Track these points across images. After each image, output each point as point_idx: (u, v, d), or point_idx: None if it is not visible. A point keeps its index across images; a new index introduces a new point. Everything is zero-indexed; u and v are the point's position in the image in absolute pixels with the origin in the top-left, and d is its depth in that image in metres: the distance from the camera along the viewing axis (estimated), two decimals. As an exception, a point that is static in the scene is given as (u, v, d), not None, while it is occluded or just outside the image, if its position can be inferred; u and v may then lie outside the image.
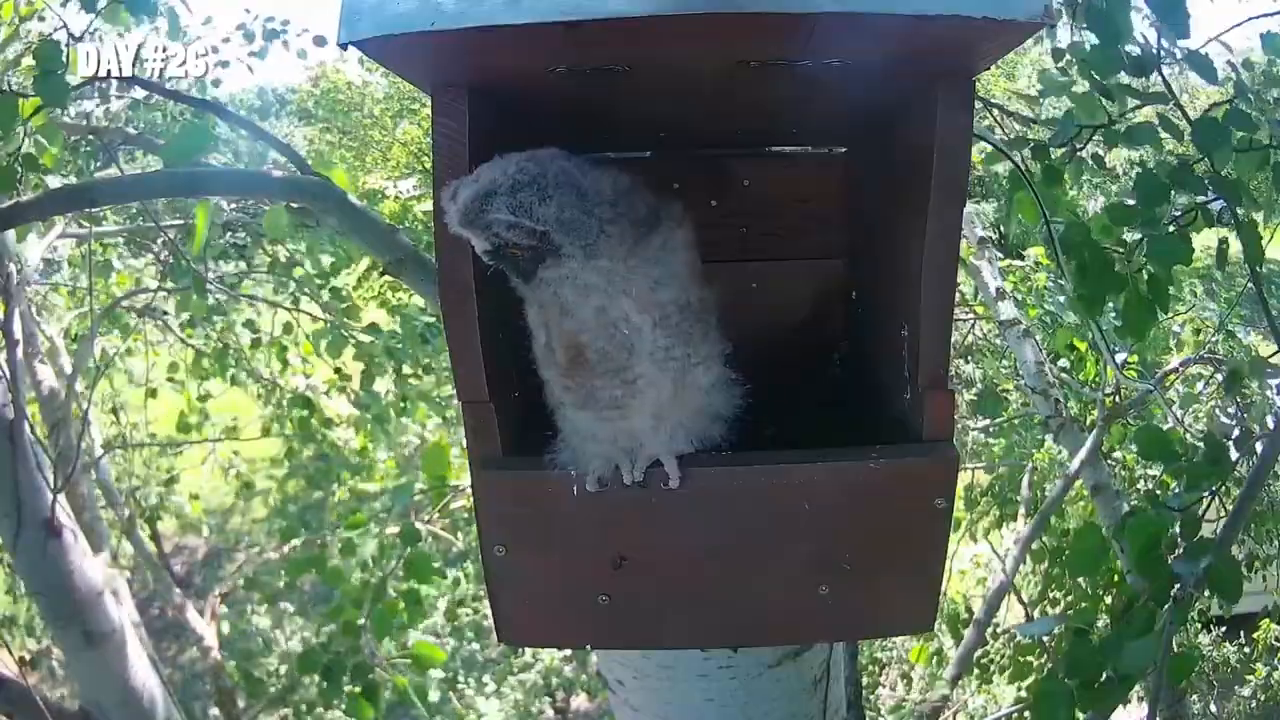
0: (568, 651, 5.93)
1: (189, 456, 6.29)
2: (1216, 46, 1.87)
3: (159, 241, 4.27)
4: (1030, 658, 3.97)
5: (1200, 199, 1.69)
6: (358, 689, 2.42)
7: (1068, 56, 1.87)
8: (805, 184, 1.31)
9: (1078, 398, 3.77)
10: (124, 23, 2.30)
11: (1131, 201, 1.66)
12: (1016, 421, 4.38)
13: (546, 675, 6.24)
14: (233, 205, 3.94)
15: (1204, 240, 1.88)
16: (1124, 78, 1.69)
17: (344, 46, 0.77)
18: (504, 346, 0.99)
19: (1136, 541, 1.46)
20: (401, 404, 4.78)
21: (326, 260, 4.14)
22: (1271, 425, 2.32)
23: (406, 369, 4.53)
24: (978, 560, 5.00)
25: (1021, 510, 4.36)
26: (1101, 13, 1.60)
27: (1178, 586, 1.43)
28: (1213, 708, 5.54)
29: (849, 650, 2.08)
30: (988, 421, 4.46)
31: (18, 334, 2.75)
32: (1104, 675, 1.39)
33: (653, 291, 0.92)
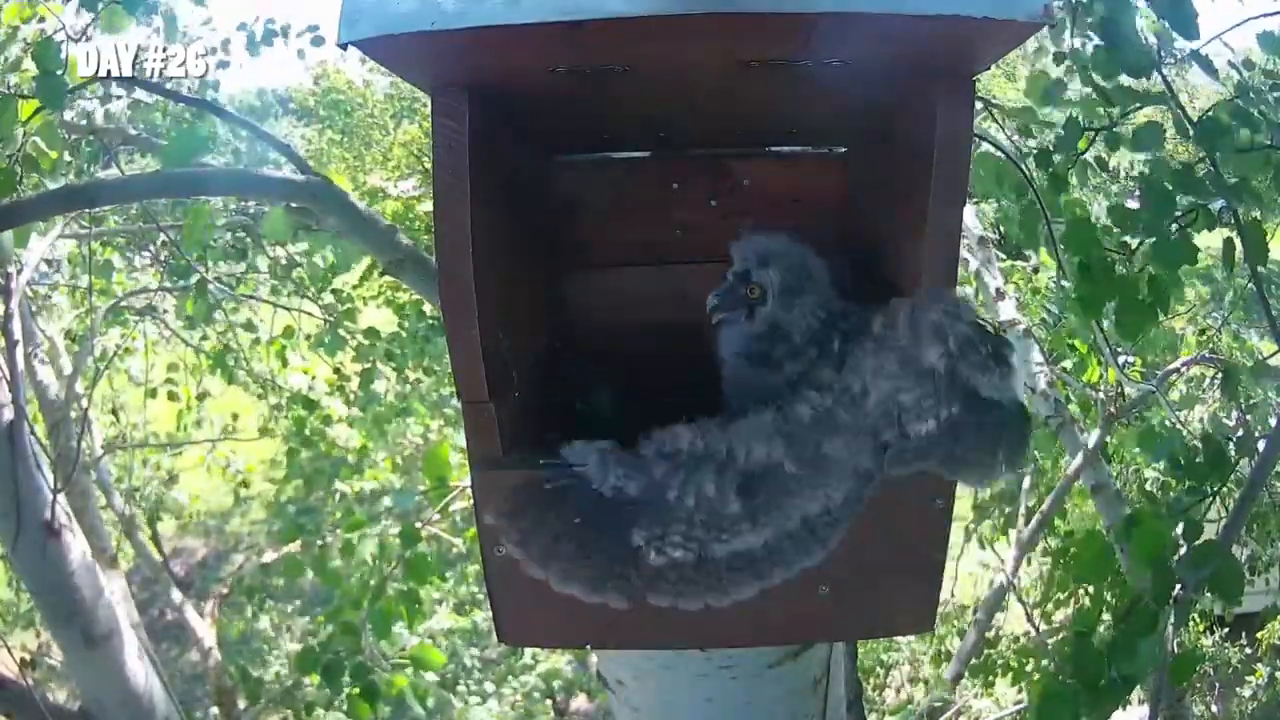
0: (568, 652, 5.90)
1: (188, 457, 6.28)
2: (1217, 46, 1.86)
3: (159, 242, 4.27)
4: (1030, 659, 3.96)
5: (1202, 200, 1.69)
6: (357, 689, 2.42)
7: (1067, 62, 1.86)
8: (805, 184, 1.31)
9: (1080, 398, 3.77)
10: (122, 27, 2.28)
11: (1134, 204, 1.65)
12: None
13: (547, 678, 6.20)
14: (233, 206, 3.94)
15: (1205, 240, 1.87)
16: (1125, 80, 1.68)
17: (344, 46, 0.77)
18: (504, 346, 0.98)
19: (1139, 543, 1.46)
20: (400, 405, 4.78)
21: (322, 260, 4.13)
22: (1273, 425, 2.32)
23: (407, 371, 4.52)
24: (986, 564, 4.99)
25: (1022, 511, 4.35)
26: (1105, 17, 1.60)
27: (1179, 588, 1.43)
28: (1214, 708, 5.53)
29: (849, 650, 2.08)
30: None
31: (18, 334, 2.75)
32: (1106, 677, 1.39)
33: None
